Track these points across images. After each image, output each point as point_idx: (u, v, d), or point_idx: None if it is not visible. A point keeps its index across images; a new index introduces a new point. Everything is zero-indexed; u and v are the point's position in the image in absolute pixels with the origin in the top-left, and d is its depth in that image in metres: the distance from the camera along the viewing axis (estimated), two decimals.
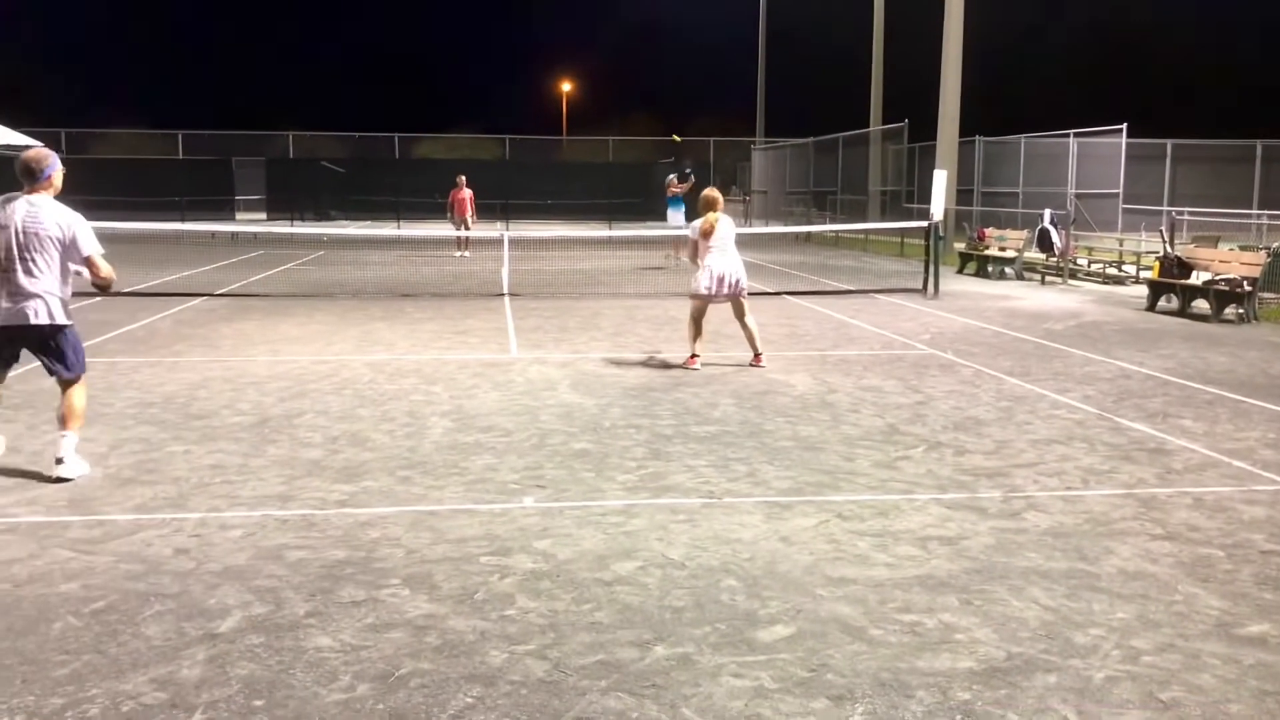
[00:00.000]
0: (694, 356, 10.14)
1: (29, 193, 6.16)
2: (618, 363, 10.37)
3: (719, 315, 13.91)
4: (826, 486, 6.23)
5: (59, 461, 6.24)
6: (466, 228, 24.80)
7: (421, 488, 6.15)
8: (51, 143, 34.19)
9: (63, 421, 6.31)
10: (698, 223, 10.17)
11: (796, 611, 4.41)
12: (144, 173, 36.57)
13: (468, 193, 25.20)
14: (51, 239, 6.08)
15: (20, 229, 6.04)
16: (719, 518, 5.64)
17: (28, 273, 6.05)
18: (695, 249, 10.25)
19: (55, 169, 6.27)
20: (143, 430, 7.44)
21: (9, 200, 6.13)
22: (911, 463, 6.76)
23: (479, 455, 6.85)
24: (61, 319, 6.23)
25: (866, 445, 7.19)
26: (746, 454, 6.94)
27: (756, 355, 10.18)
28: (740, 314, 10.21)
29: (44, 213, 6.11)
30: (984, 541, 5.29)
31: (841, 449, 7.09)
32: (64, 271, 6.20)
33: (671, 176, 23.20)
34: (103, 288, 6.41)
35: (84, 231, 6.20)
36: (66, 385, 6.36)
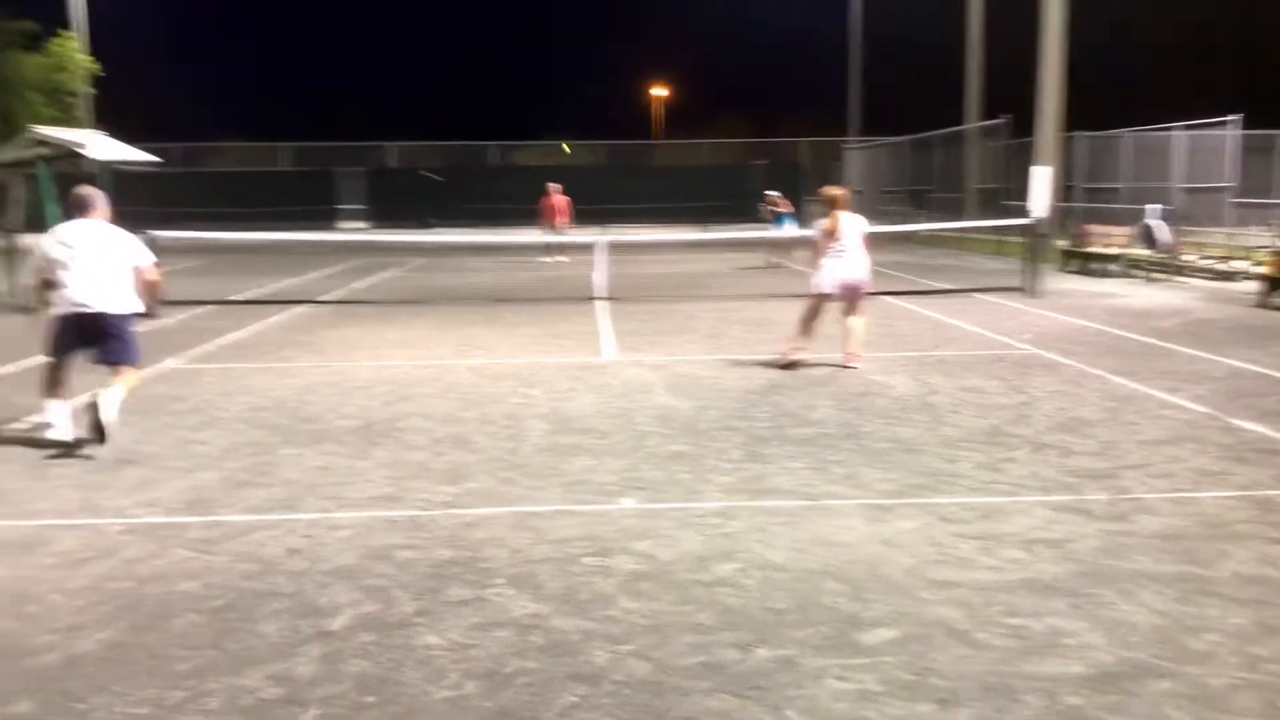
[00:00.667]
0: (796, 350, 10.13)
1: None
2: (713, 365, 10.39)
3: (823, 316, 13.85)
4: (928, 489, 6.16)
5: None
6: (559, 234, 24.82)
7: (523, 489, 6.24)
8: (167, 157, 35.46)
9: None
10: (821, 221, 10.22)
11: (900, 614, 4.38)
12: (252, 184, 37.67)
13: (560, 200, 25.12)
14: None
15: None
16: (819, 520, 5.62)
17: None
18: (818, 247, 10.25)
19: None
20: (255, 434, 7.68)
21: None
22: (1015, 464, 6.65)
23: (577, 457, 6.93)
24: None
25: (968, 447, 7.09)
26: (845, 456, 6.90)
27: (849, 354, 10.11)
28: (851, 311, 10.22)
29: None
30: (1091, 544, 5.19)
31: (943, 451, 7.00)
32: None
33: (772, 194, 23.38)
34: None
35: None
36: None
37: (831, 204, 10.20)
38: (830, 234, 10.05)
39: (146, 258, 7.54)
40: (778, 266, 22.39)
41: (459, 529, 5.52)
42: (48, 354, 7.45)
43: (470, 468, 6.70)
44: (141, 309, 7.59)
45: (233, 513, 5.86)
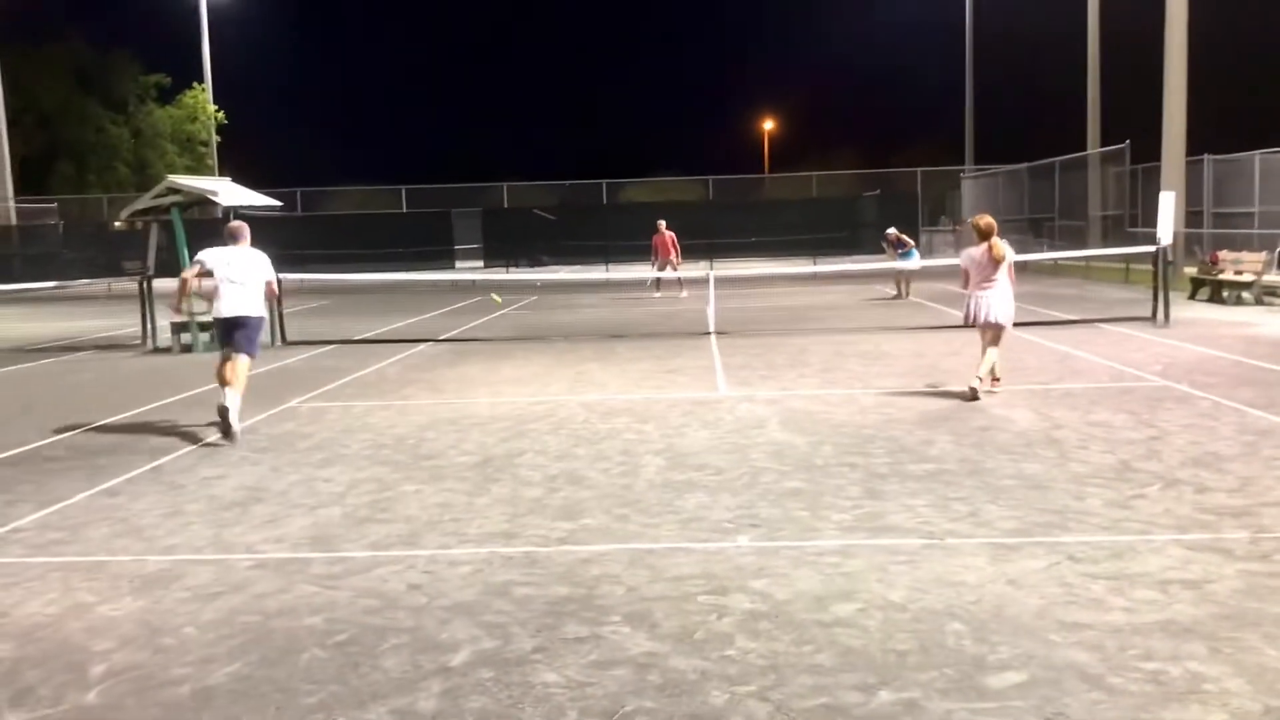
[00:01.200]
0: (995, 380, 10.37)
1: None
2: (827, 400, 10.26)
3: (942, 346, 13.62)
4: (1055, 527, 5.97)
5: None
6: (673, 269, 24.95)
7: (638, 525, 6.24)
8: (288, 201, 36.75)
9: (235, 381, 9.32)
10: (973, 251, 10.25)
11: (1028, 657, 4.23)
12: (370, 227, 38.74)
13: (669, 235, 25.21)
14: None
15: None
16: (940, 559, 5.48)
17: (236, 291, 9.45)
18: (966, 278, 10.37)
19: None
20: (376, 470, 7.85)
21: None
22: (1147, 501, 6.40)
23: (692, 493, 6.90)
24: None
25: (1097, 483, 6.85)
26: (967, 493, 6.73)
27: (980, 380, 10.06)
28: (995, 341, 10.25)
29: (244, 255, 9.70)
30: (1231, 585, 4.95)
31: (1070, 487, 6.78)
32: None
33: (891, 232, 23.62)
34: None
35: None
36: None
37: (983, 233, 10.18)
38: (982, 264, 10.10)
39: (273, 274, 9.86)
40: (899, 298, 22.33)
41: (574, 565, 5.54)
42: (228, 345, 9.51)
43: (585, 504, 6.72)
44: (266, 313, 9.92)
45: (355, 548, 5.98)
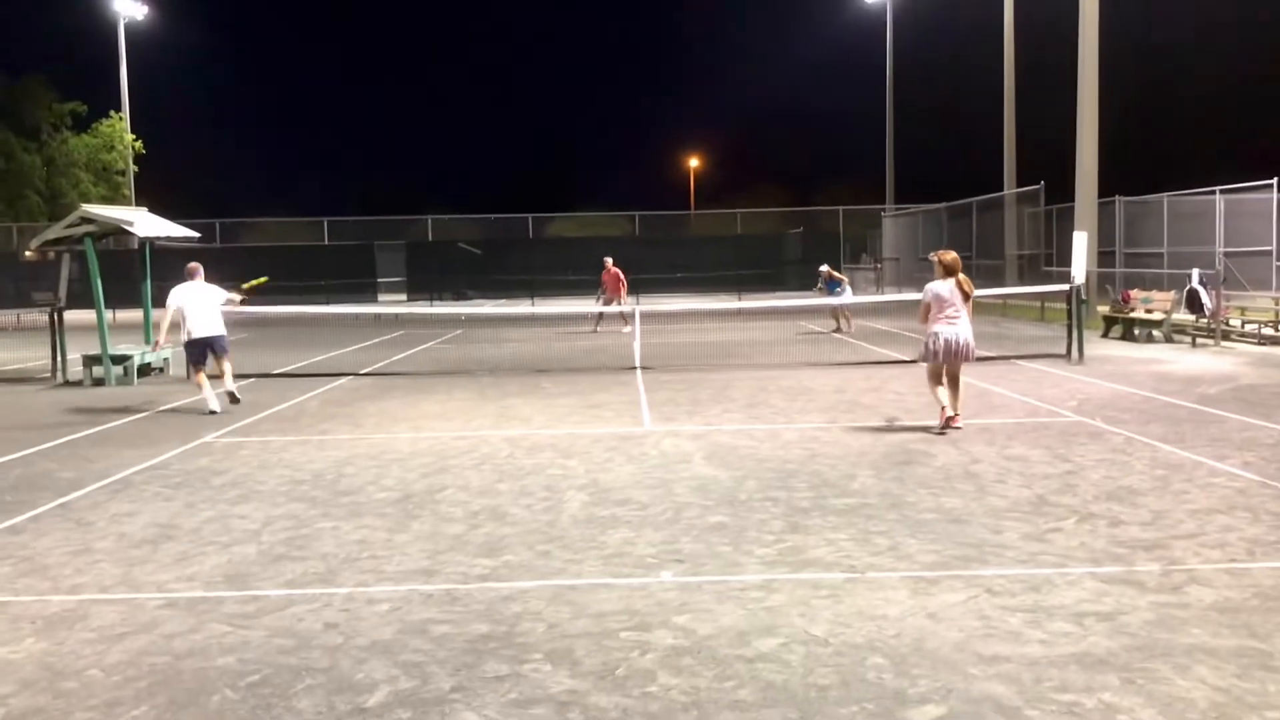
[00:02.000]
0: (952, 416, 10.20)
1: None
2: (752, 435, 10.31)
3: (863, 382, 13.77)
4: (974, 560, 6.04)
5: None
6: (619, 303, 24.70)
7: (560, 561, 6.18)
8: (206, 233, 36.12)
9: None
10: (936, 286, 10.24)
11: (948, 691, 4.26)
12: (292, 259, 38.25)
13: (615, 271, 25.03)
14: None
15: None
16: (862, 593, 5.51)
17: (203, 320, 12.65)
18: (927, 312, 10.31)
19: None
20: (293, 507, 7.68)
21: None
22: (1063, 535, 6.51)
23: (616, 529, 6.86)
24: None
25: (1014, 517, 6.96)
26: (888, 527, 6.78)
27: (954, 415, 10.21)
28: (956, 375, 10.34)
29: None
30: (1144, 617, 5.04)
31: (988, 521, 6.87)
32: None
33: (824, 269, 24.40)
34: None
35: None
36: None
37: (948, 269, 10.26)
38: (948, 299, 10.14)
39: (225, 297, 13.03)
40: (839, 332, 22.75)
41: (495, 603, 5.46)
42: (193, 363, 12.94)
43: (507, 540, 6.65)
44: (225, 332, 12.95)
45: (270, 587, 5.83)
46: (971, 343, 10.21)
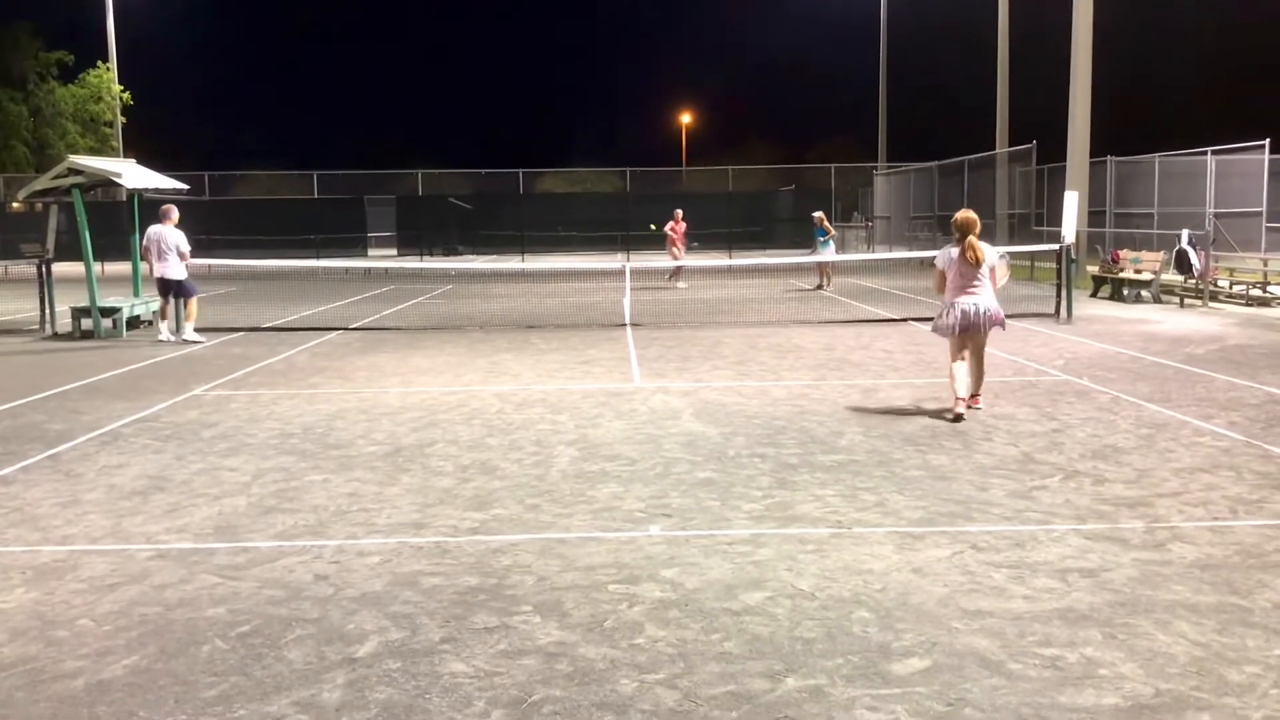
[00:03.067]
0: (962, 399, 8.88)
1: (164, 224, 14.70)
2: (740, 391, 10.34)
3: (852, 340, 13.81)
4: (959, 517, 6.09)
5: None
6: (674, 258, 25.11)
7: (550, 515, 6.21)
8: (196, 185, 35.82)
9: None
10: (950, 251, 9.02)
11: (931, 644, 4.31)
12: (281, 212, 38.03)
13: (681, 225, 25.36)
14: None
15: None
16: (848, 548, 5.56)
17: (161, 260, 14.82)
18: (942, 280, 9.09)
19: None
20: (283, 460, 7.70)
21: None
22: (1048, 492, 6.56)
23: (605, 484, 6.90)
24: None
25: (1000, 474, 7.01)
26: (875, 483, 6.83)
27: (975, 395, 9.13)
28: (979, 349, 9.06)
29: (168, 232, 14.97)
30: (1127, 574, 5.10)
31: (974, 478, 6.92)
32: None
33: (817, 215, 24.22)
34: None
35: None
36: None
37: (963, 230, 8.95)
38: (960, 267, 8.89)
39: (187, 247, 15.14)
40: (820, 289, 22.81)
41: (485, 555, 5.50)
42: (160, 296, 15.28)
43: (497, 494, 6.68)
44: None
45: (260, 539, 5.86)
46: (995, 310, 8.89)
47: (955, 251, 8.95)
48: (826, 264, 23.78)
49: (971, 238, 8.87)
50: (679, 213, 25.47)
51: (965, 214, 9.11)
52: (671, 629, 4.51)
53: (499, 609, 4.76)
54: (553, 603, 4.83)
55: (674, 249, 25.24)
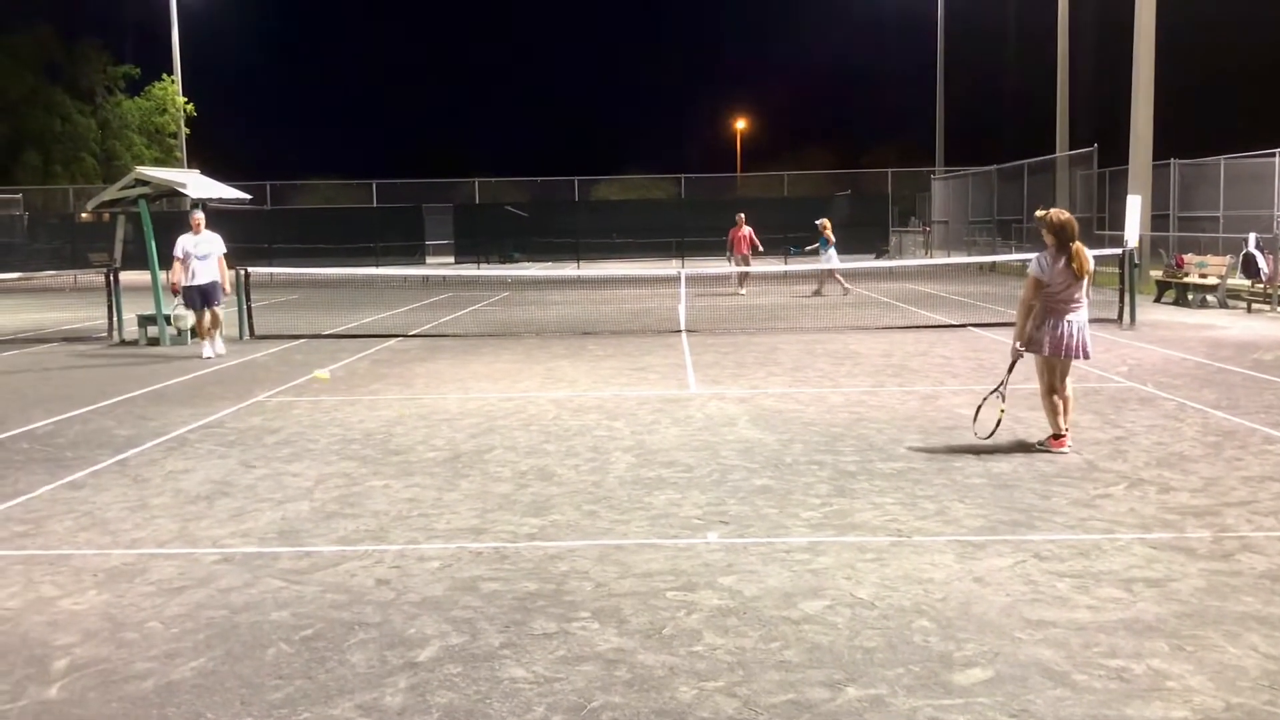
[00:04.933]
0: (1059, 437, 7.82)
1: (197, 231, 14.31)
2: (797, 398, 10.29)
3: (911, 346, 13.69)
4: (1022, 525, 6.01)
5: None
6: (746, 264, 24.69)
7: (607, 522, 6.23)
8: (257, 194, 36.41)
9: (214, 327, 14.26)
10: (1043, 259, 7.73)
11: (994, 654, 4.26)
12: (341, 221, 38.55)
13: (746, 230, 24.74)
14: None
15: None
16: (909, 557, 5.51)
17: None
18: (1035, 291, 7.76)
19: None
20: (345, 465, 7.80)
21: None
22: (1112, 501, 6.46)
23: (662, 490, 6.91)
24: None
25: (1063, 482, 6.91)
26: (935, 491, 6.77)
27: (1060, 436, 7.85)
28: (1064, 376, 7.87)
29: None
30: (1194, 584, 5.01)
31: (1037, 486, 6.83)
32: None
33: (823, 222, 23.87)
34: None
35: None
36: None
37: (1058, 233, 7.67)
38: (1067, 275, 7.62)
39: (222, 250, 14.59)
40: (818, 294, 22.96)
41: (543, 561, 5.53)
42: (192, 308, 14.53)
43: (554, 500, 6.71)
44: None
45: (323, 543, 5.94)
46: (1087, 339, 7.82)
47: (1058, 263, 7.63)
48: (828, 271, 23.32)
49: (1077, 243, 7.68)
50: (741, 216, 24.90)
51: (1063, 214, 7.80)
52: (730, 637, 4.51)
53: (558, 615, 4.79)
54: (611, 609, 4.84)
55: (738, 255, 24.77)
